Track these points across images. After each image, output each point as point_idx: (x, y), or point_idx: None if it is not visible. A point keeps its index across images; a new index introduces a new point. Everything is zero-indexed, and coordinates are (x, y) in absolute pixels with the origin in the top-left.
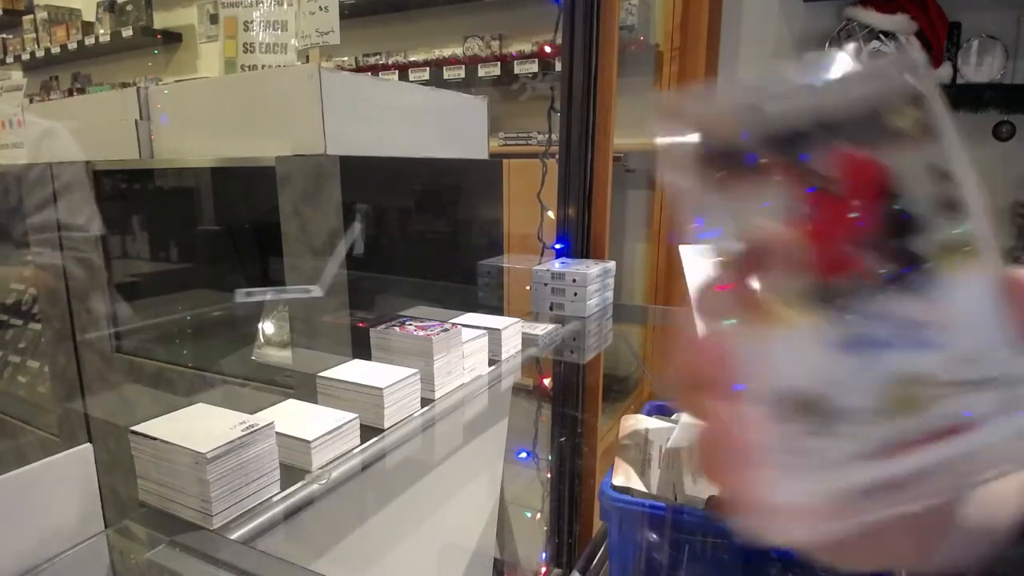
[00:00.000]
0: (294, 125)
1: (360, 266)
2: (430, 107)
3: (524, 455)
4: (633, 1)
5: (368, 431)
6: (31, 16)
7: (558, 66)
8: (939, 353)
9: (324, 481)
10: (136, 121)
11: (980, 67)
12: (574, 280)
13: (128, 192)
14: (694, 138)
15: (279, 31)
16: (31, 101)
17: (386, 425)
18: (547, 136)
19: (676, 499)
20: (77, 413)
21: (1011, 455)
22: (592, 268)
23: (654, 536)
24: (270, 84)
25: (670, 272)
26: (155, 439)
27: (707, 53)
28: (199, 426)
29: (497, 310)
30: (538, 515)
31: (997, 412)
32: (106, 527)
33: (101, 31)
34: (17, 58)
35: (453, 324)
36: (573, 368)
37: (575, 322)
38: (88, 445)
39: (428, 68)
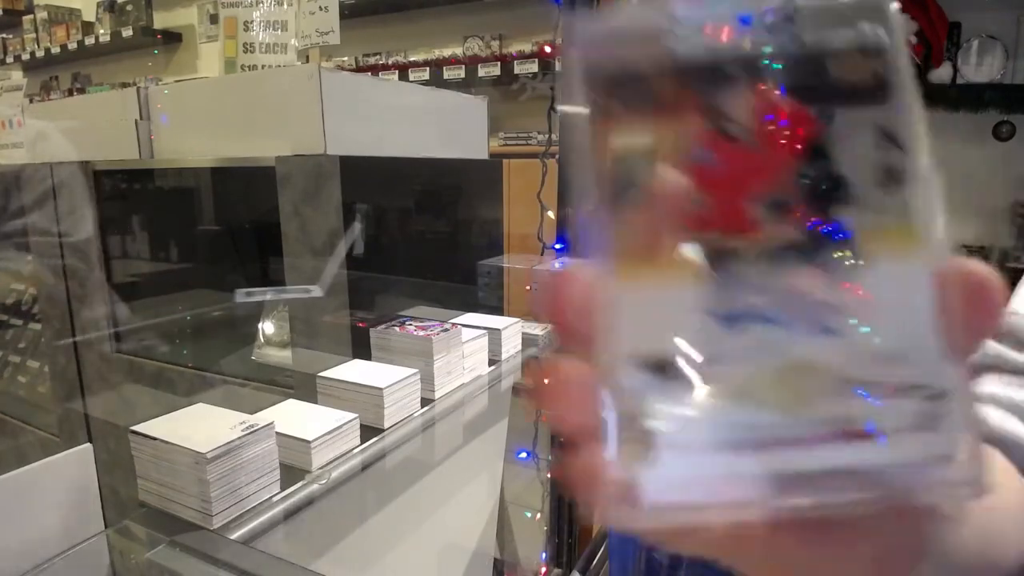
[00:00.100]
0: (294, 125)
1: (360, 266)
2: (430, 107)
3: (524, 455)
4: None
5: (368, 431)
6: (31, 16)
7: (558, 66)
8: (846, 345)
9: (324, 481)
10: (136, 121)
11: (980, 67)
12: None
13: (128, 192)
14: (600, 63)
15: (279, 31)
16: (31, 101)
17: (386, 425)
18: (547, 136)
19: None
20: (77, 413)
21: (917, 482)
22: None
23: None
24: (270, 84)
25: None
26: (155, 439)
27: None
28: (199, 426)
29: (497, 310)
30: (538, 515)
31: (910, 428)
32: (106, 527)
33: (101, 31)
34: (17, 58)
35: (453, 324)
36: None
37: None
38: (88, 445)
39: (428, 68)
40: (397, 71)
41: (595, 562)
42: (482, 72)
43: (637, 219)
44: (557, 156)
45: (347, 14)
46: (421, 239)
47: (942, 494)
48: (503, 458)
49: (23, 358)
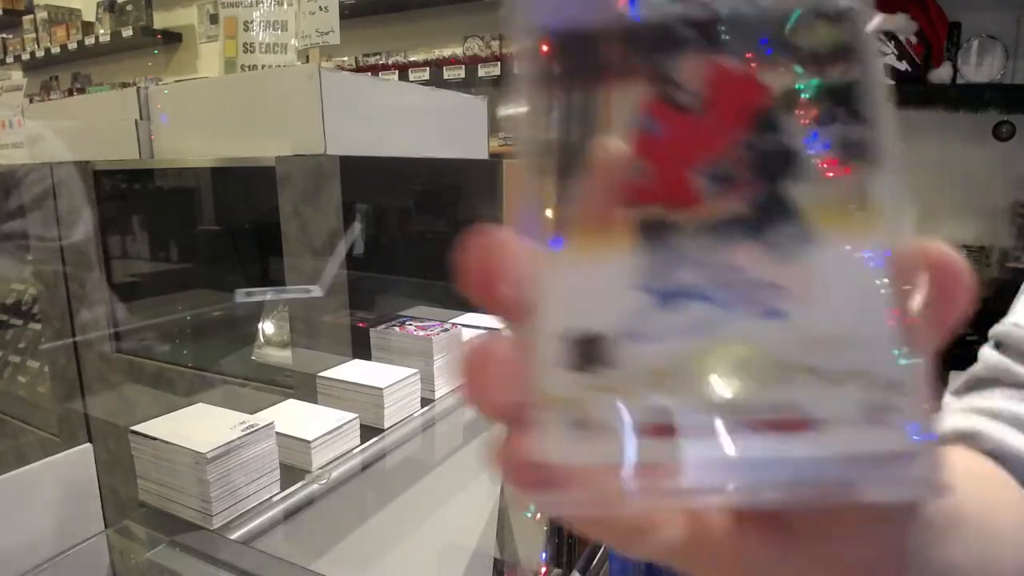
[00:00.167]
0: (294, 125)
1: (360, 266)
2: (430, 107)
3: None
4: None
5: (368, 431)
6: (31, 16)
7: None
8: (788, 328)
9: (324, 481)
10: (136, 121)
11: (980, 67)
12: None
13: (128, 192)
14: (545, 20)
15: (279, 31)
16: (31, 101)
17: (386, 425)
18: None
19: None
20: (77, 413)
21: (858, 478)
22: None
23: None
24: (270, 84)
25: None
26: (155, 439)
27: None
28: (199, 426)
29: None
30: (538, 515)
31: (853, 419)
32: (106, 527)
33: (101, 31)
34: (17, 58)
35: (453, 324)
36: None
37: None
38: (88, 445)
39: (428, 68)
40: (397, 71)
41: (595, 562)
42: (482, 72)
43: (574, 188)
44: None
45: (347, 14)
46: (421, 239)
47: (887, 492)
48: None
49: (23, 358)
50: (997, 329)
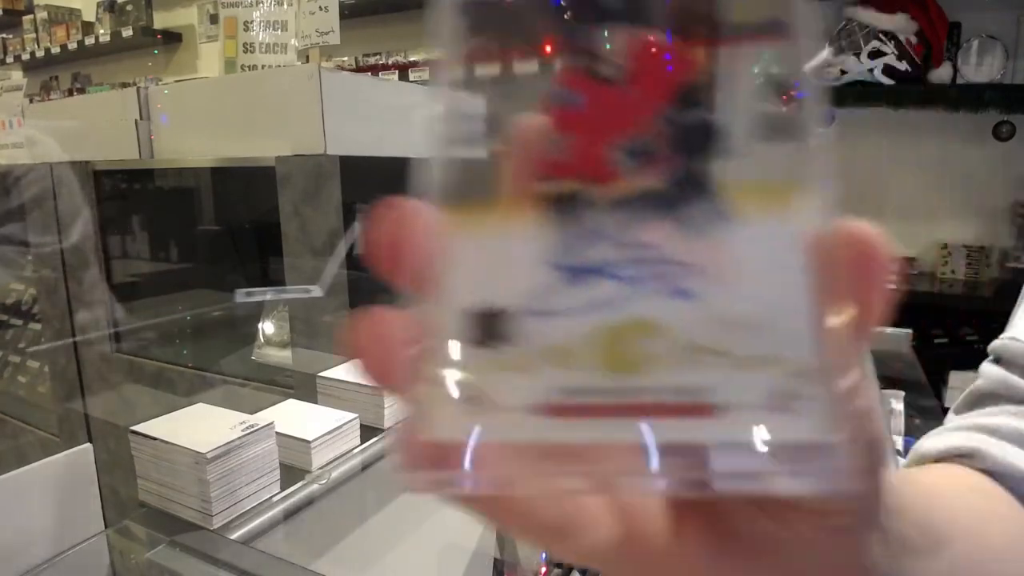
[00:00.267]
0: (294, 125)
1: (360, 266)
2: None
3: None
4: None
5: (368, 431)
6: (31, 16)
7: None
8: (696, 309)
9: (324, 481)
10: (136, 121)
11: (980, 67)
12: None
13: (128, 192)
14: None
15: (279, 31)
16: (31, 101)
17: (386, 425)
18: None
19: None
20: (77, 413)
21: (765, 468)
22: None
23: None
24: (270, 84)
25: None
26: (155, 439)
27: None
28: (199, 426)
29: None
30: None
31: (760, 406)
32: (106, 527)
33: (101, 31)
34: (17, 58)
35: None
36: None
37: None
38: (88, 445)
39: (428, 68)
40: (397, 71)
41: None
42: None
43: (486, 159)
44: None
45: (347, 14)
46: None
47: (797, 484)
48: None
49: (23, 358)
50: (996, 344)
